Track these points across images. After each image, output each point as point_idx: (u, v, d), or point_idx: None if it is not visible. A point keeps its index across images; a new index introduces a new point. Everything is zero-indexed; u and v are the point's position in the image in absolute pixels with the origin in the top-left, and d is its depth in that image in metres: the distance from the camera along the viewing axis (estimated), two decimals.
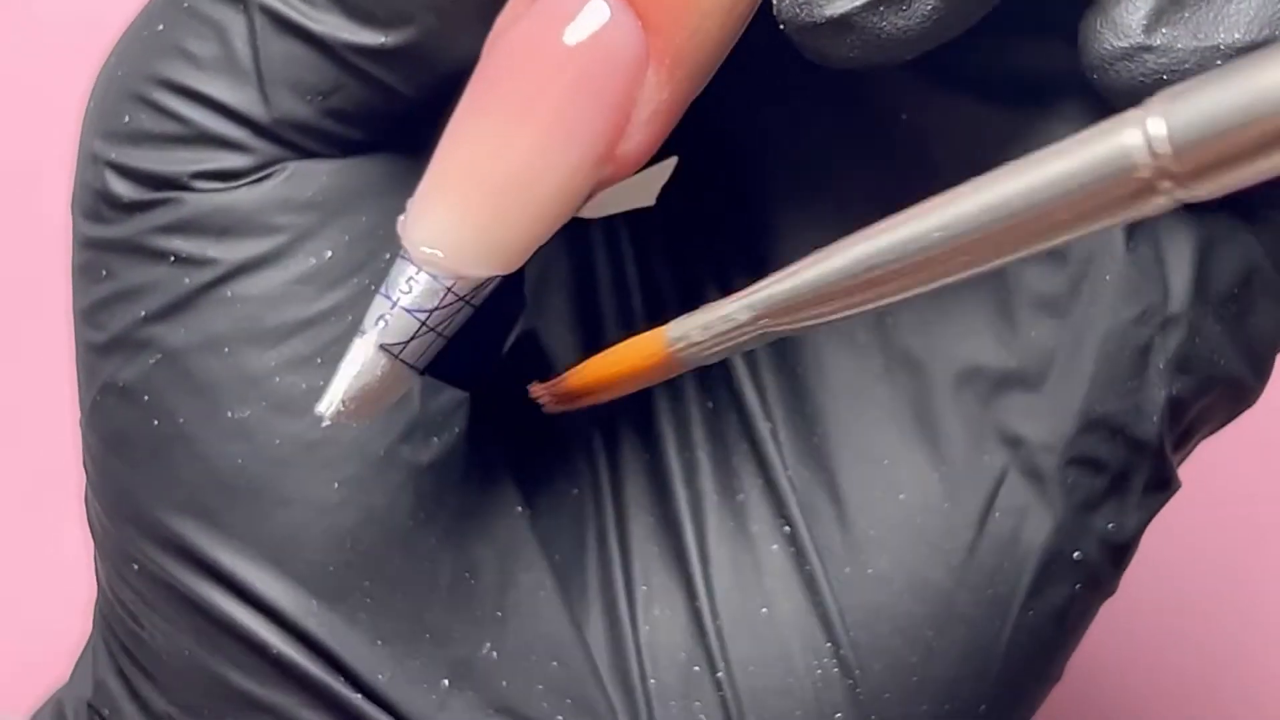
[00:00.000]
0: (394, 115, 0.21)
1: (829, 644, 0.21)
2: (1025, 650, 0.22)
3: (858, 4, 0.17)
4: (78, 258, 0.21)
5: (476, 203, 0.17)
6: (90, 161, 0.20)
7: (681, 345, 0.19)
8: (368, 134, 0.21)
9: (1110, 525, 0.21)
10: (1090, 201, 0.13)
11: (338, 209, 0.20)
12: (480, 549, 0.22)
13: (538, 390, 0.22)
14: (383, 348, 0.18)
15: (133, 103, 0.20)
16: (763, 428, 0.23)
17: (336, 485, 0.20)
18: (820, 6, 0.18)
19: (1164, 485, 0.22)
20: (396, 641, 0.21)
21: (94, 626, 0.25)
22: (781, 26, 0.18)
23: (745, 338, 0.18)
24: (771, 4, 0.18)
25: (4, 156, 0.48)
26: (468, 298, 0.18)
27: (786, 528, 0.22)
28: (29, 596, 0.46)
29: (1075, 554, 0.21)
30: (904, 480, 0.22)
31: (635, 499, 0.24)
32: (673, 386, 0.24)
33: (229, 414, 0.20)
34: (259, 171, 0.20)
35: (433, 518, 0.21)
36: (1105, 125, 0.13)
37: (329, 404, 0.18)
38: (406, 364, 0.18)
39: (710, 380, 0.24)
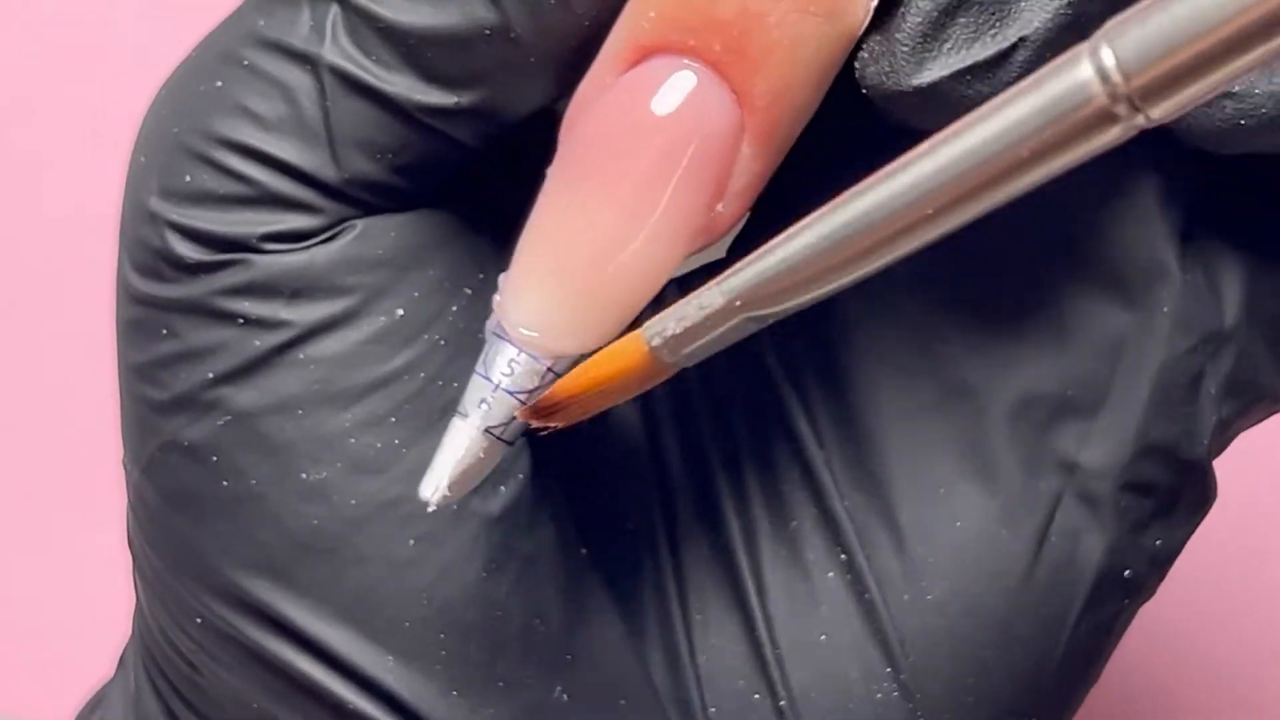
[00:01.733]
0: (458, 167, 0.20)
1: (889, 669, 0.22)
2: (1075, 663, 0.22)
3: (946, 73, 0.17)
4: (129, 312, 0.21)
5: (574, 282, 0.17)
6: (147, 219, 0.20)
7: (659, 341, 0.18)
8: (431, 186, 0.20)
9: (1158, 542, 0.22)
10: (1052, 137, 0.13)
11: (407, 264, 0.20)
12: (548, 594, 0.21)
13: (523, 412, 0.21)
14: (486, 431, 0.18)
15: (193, 162, 0.19)
16: (816, 456, 0.23)
17: (412, 542, 0.20)
18: (908, 75, 0.17)
19: (1207, 499, 0.22)
20: (470, 692, 0.20)
21: (133, 656, 0.25)
22: (864, 91, 0.18)
23: (724, 327, 0.17)
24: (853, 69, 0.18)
25: (3, 156, 0.47)
26: (561, 371, 0.18)
27: (843, 555, 0.22)
28: (26, 598, 0.46)
29: (1126, 572, 0.22)
30: (960, 507, 0.22)
31: (688, 530, 0.24)
32: (722, 418, 0.24)
33: (303, 475, 0.20)
34: (328, 231, 0.20)
35: (502, 567, 0.21)
36: (1057, 62, 0.13)
37: (435, 489, 0.18)
38: (502, 440, 0.18)
39: (761, 409, 0.24)
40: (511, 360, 0.18)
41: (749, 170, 0.18)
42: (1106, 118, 0.13)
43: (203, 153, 0.19)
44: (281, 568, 0.20)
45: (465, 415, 0.18)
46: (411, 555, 0.20)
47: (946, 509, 0.22)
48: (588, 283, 0.17)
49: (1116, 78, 0.13)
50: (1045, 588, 0.21)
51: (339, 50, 0.19)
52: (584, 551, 0.22)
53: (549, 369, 0.18)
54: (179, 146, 0.20)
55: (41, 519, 0.46)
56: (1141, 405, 0.21)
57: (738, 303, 0.17)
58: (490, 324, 0.19)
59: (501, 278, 0.18)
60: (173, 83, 0.21)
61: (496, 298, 0.18)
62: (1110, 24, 0.13)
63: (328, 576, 0.20)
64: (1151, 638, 0.40)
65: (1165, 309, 0.21)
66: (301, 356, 0.20)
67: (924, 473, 0.22)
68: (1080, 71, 0.13)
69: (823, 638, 0.22)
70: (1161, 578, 0.22)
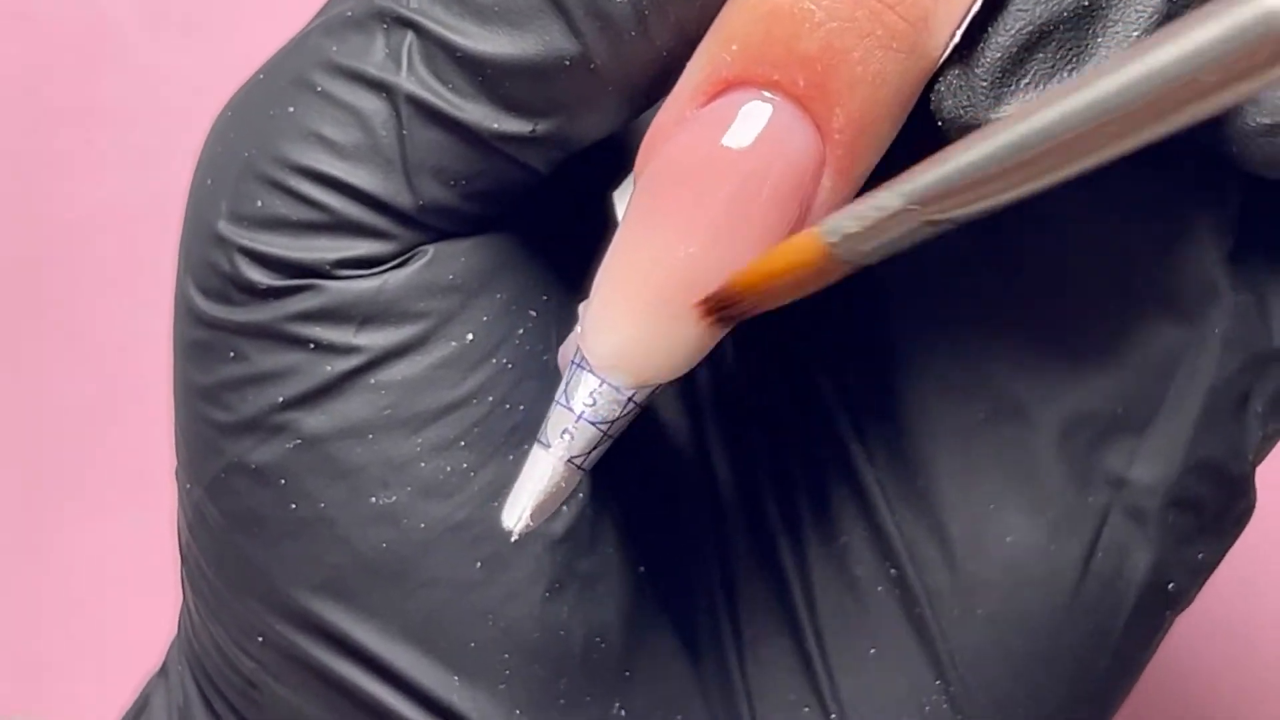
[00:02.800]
0: (524, 190, 0.20)
1: (939, 682, 0.22)
2: (1119, 671, 0.22)
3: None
4: (194, 333, 0.20)
5: (656, 314, 0.17)
6: (215, 242, 0.20)
7: (837, 239, 0.17)
8: (499, 210, 0.20)
9: (1201, 555, 0.22)
10: (1237, 64, 0.13)
11: (476, 289, 0.20)
12: (609, 613, 0.21)
13: (699, 305, 0.19)
14: (569, 461, 0.18)
15: (265, 187, 0.19)
16: (866, 472, 0.23)
17: (479, 565, 0.20)
18: (986, 109, 0.18)
19: (1249, 510, 0.23)
20: (533, 710, 0.20)
21: (179, 664, 0.24)
22: (940, 124, 0.18)
23: (903, 229, 0.17)
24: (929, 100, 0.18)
25: (6, 155, 0.47)
26: (643, 402, 0.18)
27: (893, 570, 0.22)
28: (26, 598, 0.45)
29: (1170, 585, 0.22)
30: (1010, 523, 0.22)
31: (738, 544, 0.24)
32: (772, 433, 0.24)
33: (373, 499, 0.20)
34: (399, 256, 0.19)
35: (565, 587, 0.21)
36: None
37: (518, 519, 0.18)
38: (581, 469, 0.18)
39: (810, 426, 0.24)
40: (594, 391, 0.18)
41: (829, 201, 0.18)
42: None
43: (275, 178, 0.19)
44: (349, 590, 0.20)
45: (547, 445, 0.18)
46: (478, 577, 0.20)
47: (996, 524, 0.22)
48: (669, 314, 0.17)
49: None
50: (1092, 602, 0.22)
51: (416, 79, 0.19)
52: (643, 570, 0.22)
53: (630, 399, 0.18)
54: (249, 171, 0.19)
55: (41, 519, 0.46)
56: (1191, 423, 0.21)
57: (914, 205, 0.16)
58: (568, 352, 0.19)
59: (581, 308, 0.18)
60: (239, 105, 0.20)
61: (577, 329, 0.18)
62: None
63: (396, 599, 0.20)
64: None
65: (1216, 329, 0.21)
66: (372, 381, 0.19)
67: (974, 488, 0.22)
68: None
69: (872, 651, 0.22)
70: (1200, 587, 0.23)
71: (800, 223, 0.17)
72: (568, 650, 0.21)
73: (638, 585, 0.22)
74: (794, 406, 0.24)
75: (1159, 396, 0.21)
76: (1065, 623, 0.22)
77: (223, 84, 0.45)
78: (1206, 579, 0.23)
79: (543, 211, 0.21)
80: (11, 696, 0.45)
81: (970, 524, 0.22)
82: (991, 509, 0.22)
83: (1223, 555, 0.23)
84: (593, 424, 0.18)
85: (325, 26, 0.19)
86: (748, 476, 0.24)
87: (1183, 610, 0.23)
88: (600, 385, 0.18)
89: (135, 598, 0.45)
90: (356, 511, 0.20)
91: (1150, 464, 0.21)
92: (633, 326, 0.17)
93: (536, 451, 0.18)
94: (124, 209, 0.47)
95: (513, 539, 0.18)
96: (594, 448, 0.18)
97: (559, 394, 0.18)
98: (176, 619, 0.35)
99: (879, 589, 0.23)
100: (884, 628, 0.22)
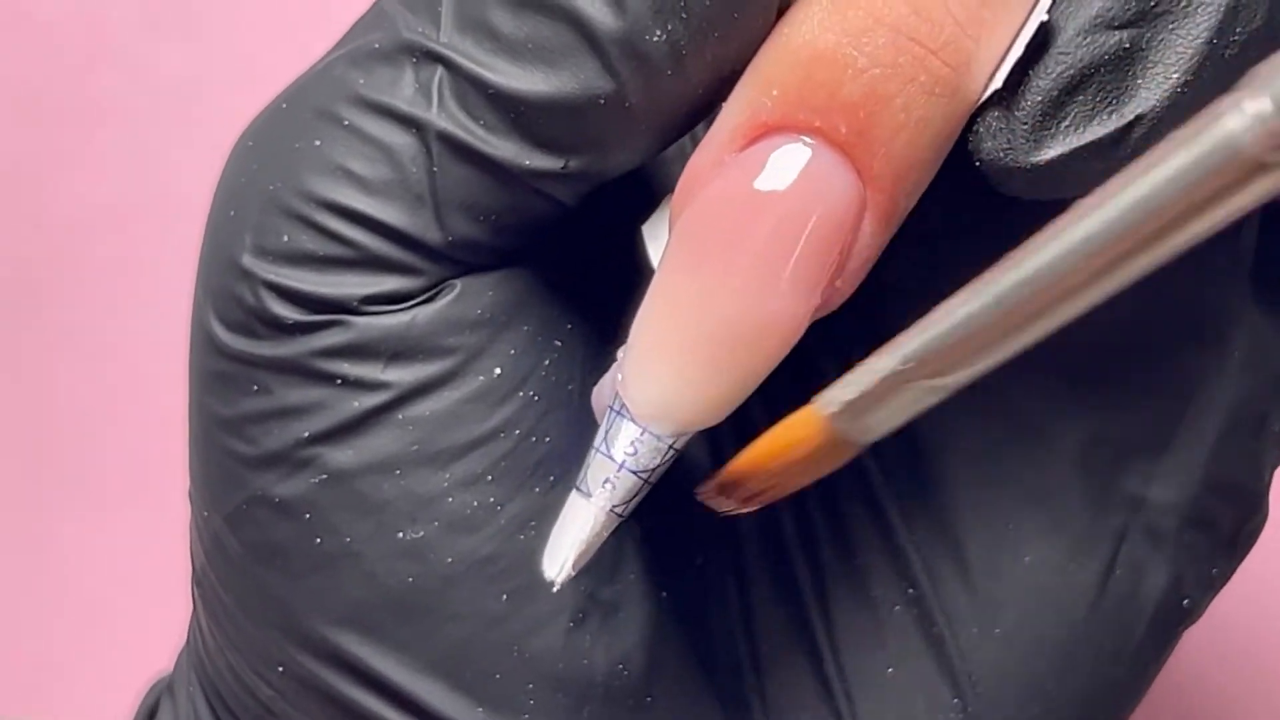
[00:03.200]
0: (551, 224, 0.20)
1: (956, 700, 0.22)
2: (1133, 684, 0.23)
3: (1064, 151, 0.17)
4: (215, 364, 0.20)
5: (696, 361, 0.17)
6: (239, 276, 0.19)
7: (836, 408, 0.17)
8: (525, 242, 0.20)
9: (1215, 571, 0.22)
10: (1208, 190, 0.13)
11: (504, 323, 0.20)
12: (631, 639, 0.21)
13: (706, 493, 0.20)
14: (611, 510, 0.18)
15: (291, 222, 0.19)
16: (883, 492, 0.23)
17: (504, 597, 0.20)
18: (1026, 153, 0.17)
19: (1263, 524, 0.23)
20: None
21: (188, 685, 0.24)
22: (977, 164, 0.18)
23: (904, 396, 0.17)
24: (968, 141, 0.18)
25: (6, 155, 0.46)
26: (681, 448, 0.18)
27: (910, 590, 0.22)
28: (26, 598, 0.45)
29: (1185, 601, 0.22)
30: (1028, 543, 0.22)
31: (755, 565, 0.24)
32: None
33: (400, 534, 0.19)
34: (427, 292, 0.19)
35: (589, 615, 0.21)
36: (1202, 118, 0.13)
37: (560, 569, 0.18)
38: (621, 516, 0.18)
39: None
40: (635, 440, 0.17)
41: (869, 246, 0.17)
42: (1260, 169, 0.13)
43: (301, 213, 0.19)
44: (374, 623, 0.20)
45: (588, 494, 0.18)
46: (504, 610, 0.20)
47: (1014, 544, 0.22)
48: (710, 360, 0.17)
49: (1272, 125, 0.13)
50: (1109, 620, 0.22)
51: (448, 115, 0.18)
52: (664, 596, 0.22)
53: (670, 446, 0.18)
54: (274, 205, 0.19)
55: (40, 519, 0.45)
56: (1209, 445, 0.21)
57: (910, 365, 0.16)
58: (603, 395, 0.19)
59: (620, 353, 0.18)
60: (261, 135, 0.20)
61: (613, 373, 0.17)
62: (1254, 75, 0.13)
63: (422, 632, 0.20)
64: None
65: (1236, 353, 0.21)
66: (400, 417, 0.19)
67: (992, 508, 0.22)
68: (1230, 122, 0.13)
69: (890, 670, 0.22)
70: (1210, 601, 0.23)
71: (839, 268, 0.17)
72: (591, 679, 0.21)
73: (659, 610, 0.22)
74: None
75: (1177, 417, 0.21)
76: (1082, 642, 0.22)
77: (223, 84, 0.45)
78: (1217, 593, 0.23)
79: (564, 240, 0.21)
80: (11, 697, 0.45)
81: (988, 543, 0.22)
82: (1009, 528, 0.22)
83: (1235, 569, 0.23)
84: (634, 473, 0.18)
85: (350, 58, 0.19)
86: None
87: (1194, 623, 0.23)
88: (641, 434, 0.17)
89: (134, 598, 0.44)
90: (383, 546, 0.20)
91: (1168, 484, 0.21)
92: (674, 375, 0.17)
93: (576, 500, 0.18)
94: (124, 209, 0.46)
95: (554, 589, 0.18)
96: (634, 496, 0.18)
97: (598, 441, 0.18)
98: (175, 620, 0.35)
99: (896, 609, 0.23)
100: (902, 647, 0.22)
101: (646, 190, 0.22)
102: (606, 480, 0.18)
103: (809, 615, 0.23)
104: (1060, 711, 0.22)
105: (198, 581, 0.23)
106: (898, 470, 0.23)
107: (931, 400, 0.16)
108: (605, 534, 0.19)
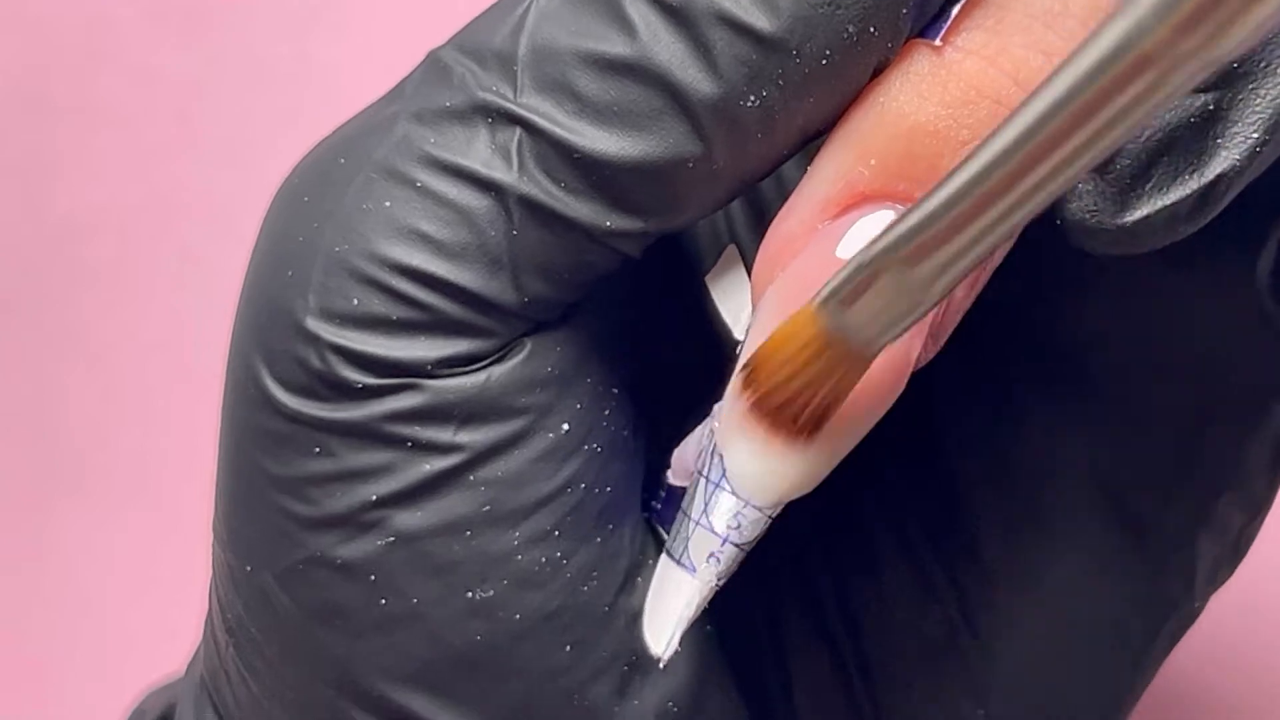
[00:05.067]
0: (615, 274, 0.20)
1: (980, 711, 0.22)
2: (1140, 687, 0.23)
3: (1150, 212, 0.17)
4: (271, 424, 0.19)
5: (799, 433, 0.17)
6: (302, 338, 0.18)
7: (821, 298, 0.16)
8: (588, 294, 0.20)
9: (1222, 571, 0.23)
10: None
11: (570, 378, 0.19)
12: (680, 678, 0.21)
13: (735, 387, 0.18)
14: (716, 584, 0.17)
15: (360, 285, 0.18)
16: (907, 512, 0.23)
17: (569, 649, 0.19)
18: (1113, 215, 0.17)
19: (1262, 523, 0.23)
20: None
21: (199, 705, 0.24)
22: (1058, 222, 0.18)
23: (892, 293, 0.15)
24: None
25: (6, 155, 0.45)
26: (776, 515, 0.18)
27: (938, 608, 0.23)
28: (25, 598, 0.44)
29: (1195, 604, 0.23)
30: (1050, 559, 0.22)
31: (781, 584, 0.24)
32: None
33: (469, 595, 0.19)
34: (499, 352, 0.19)
35: (642, 658, 0.20)
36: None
37: (668, 648, 0.18)
38: (719, 586, 0.18)
39: (849, 466, 0.24)
40: (738, 514, 0.17)
41: (960, 308, 0.17)
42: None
43: (373, 277, 0.18)
44: (439, 682, 0.19)
45: (692, 570, 0.18)
46: (568, 661, 0.19)
47: (1036, 561, 0.22)
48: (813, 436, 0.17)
49: None
50: (1127, 631, 0.22)
51: (529, 179, 0.17)
52: (710, 630, 0.22)
53: (770, 516, 0.17)
54: (341, 266, 0.18)
55: (40, 519, 0.45)
56: (1228, 468, 0.22)
57: (883, 250, 0.15)
58: (688, 459, 0.18)
59: (716, 427, 0.18)
60: (315, 190, 0.19)
61: (702, 440, 0.17)
62: None
63: (487, 688, 0.19)
64: None
65: (1251, 366, 0.21)
66: (472, 479, 0.19)
67: (1013, 526, 0.22)
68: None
69: (916, 682, 0.23)
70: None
71: (934, 332, 0.17)
72: (643, 719, 0.20)
73: (706, 645, 0.22)
74: None
75: (1194, 431, 0.22)
76: (1105, 653, 0.22)
77: (223, 84, 0.44)
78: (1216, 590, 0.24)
79: (616, 286, 0.20)
80: (11, 697, 0.44)
81: (1011, 561, 0.22)
82: (1031, 546, 0.22)
83: (1235, 568, 0.23)
84: (737, 546, 0.17)
85: (417, 115, 0.18)
86: (790, 521, 0.24)
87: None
88: (745, 507, 0.17)
89: (134, 598, 0.44)
90: (451, 607, 0.19)
91: (1187, 502, 0.22)
92: (776, 450, 0.17)
93: (678, 575, 0.18)
94: (124, 209, 0.45)
95: (661, 666, 0.18)
96: (735, 566, 0.18)
97: (695, 513, 0.18)
98: (174, 620, 0.35)
99: (923, 627, 0.23)
100: (929, 665, 0.23)
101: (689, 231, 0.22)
102: (711, 555, 0.17)
103: (837, 637, 0.23)
104: (1080, 717, 0.23)
105: (229, 630, 0.22)
106: (921, 490, 0.23)
107: (913, 299, 0.15)
108: (705, 605, 0.18)
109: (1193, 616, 0.23)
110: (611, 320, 0.20)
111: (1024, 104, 0.14)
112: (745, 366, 0.17)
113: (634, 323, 0.21)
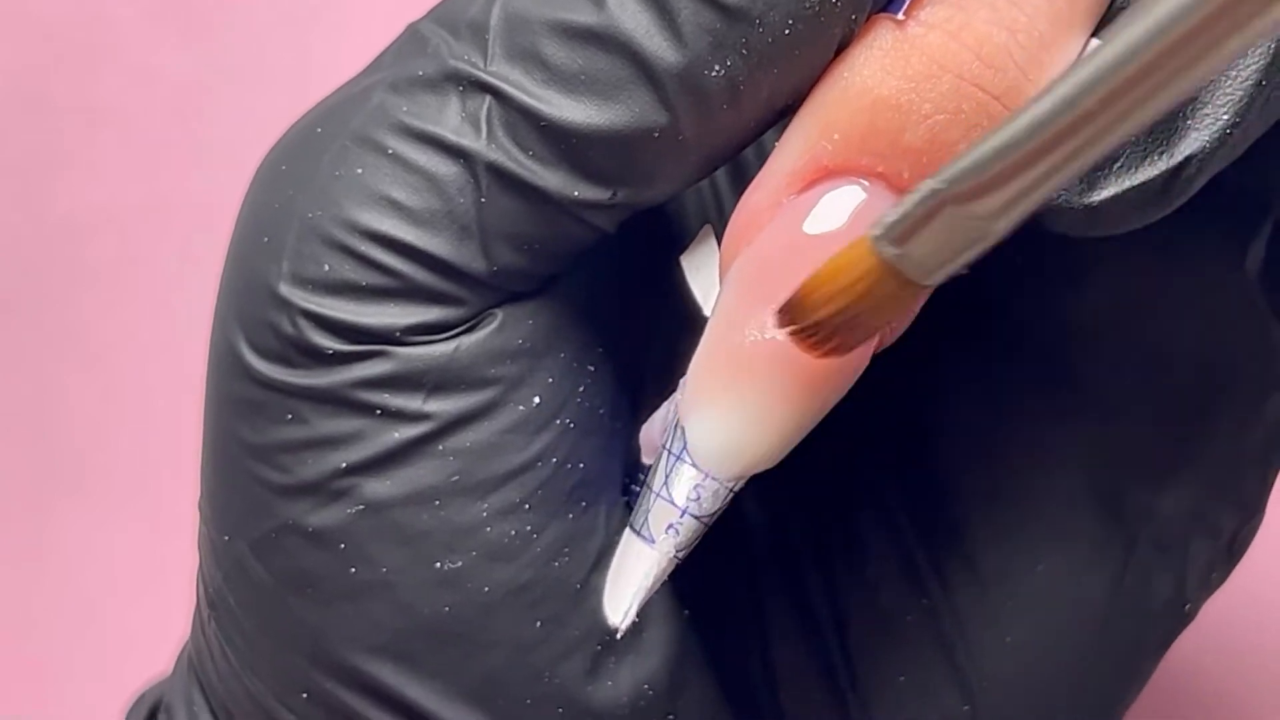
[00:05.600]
0: (588, 248, 0.20)
1: (966, 707, 0.22)
2: (1133, 686, 0.23)
3: (1117, 191, 0.17)
4: (246, 391, 0.19)
5: (759, 405, 0.17)
6: (275, 304, 0.19)
7: (879, 230, 0.16)
8: (562, 267, 0.20)
9: (1215, 574, 0.23)
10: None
11: (543, 351, 0.19)
12: (656, 660, 0.21)
13: (781, 319, 0.17)
14: (675, 555, 0.17)
15: (331, 251, 0.18)
16: (895, 504, 0.23)
17: (539, 624, 0.19)
18: (1080, 195, 0.17)
19: (1258, 527, 0.23)
20: None
21: (189, 703, 0.24)
22: None
23: (949, 227, 0.15)
24: None
25: (6, 155, 0.45)
26: (739, 489, 0.17)
27: (923, 600, 0.22)
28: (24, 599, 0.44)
29: (1187, 605, 0.22)
30: (1040, 553, 0.22)
31: (768, 577, 0.23)
32: (798, 467, 0.23)
33: (437, 565, 0.19)
34: (469, 321, 0.19)
35: (613, 639, 0.20)
36: None
37: (625, 617, 0.18)
38: (678, 559, 0.18)
39: (838, 458, 0.23)
40: (697, 485, 0.17)
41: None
42: None
43: (344, 243, 0.18)
44: (409, 652, 0.19)
45: (650, 540, 0.17)
46: (538, 637, 0.19)
47: (1026, 554, 0.22)
48: (773, 403, 0.17)
49: None
50: (1119, 629, 0.22)
51: (497, 146, 0.18)
52: (687, 614, 0.22)
53: (730, 489, 0.17)
54: (313, 233, 0.18)
55: (39, 519, 0.45)
56: (1220, 455, 0.22)
57: (946, 185, 0.15)
58: (653, 434, 0.18)
59: (679, 400, 0.18)
60: (293, 158, 0.19)
61: (668, 414, 0.17)
62: None
63: (456, 660, 0.19)
64: None
65: (1248, 363, 0.21)
66: (441, 448, 0.19)
67: (1004, 519, 0.22)
68: None
69: (902, 679, 0.22)
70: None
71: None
72: (617, 701, 0.20)
73: (681, 629, 0.22)
74: (823, 440, 0.23)
75: (1189, 428, 0.22)
76: (1092, 649, 0.22)
77: (224, 84, 0.44)
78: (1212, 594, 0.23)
79: (591, 262, 0.20)
80: (11, 697, 0.44)
81: (1000, 553, 0.22)
82: (1022, 539, 0.22)
83: (1231, 571, 0.23)
84: (696, 518, 0.17)
85: (392, 84, 0.18)
86: (777, 510, 0.24)
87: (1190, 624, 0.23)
88: (704, 479, 0.17)
89: (134, 598, 0.44)
90: (420, 576, 0.19)
91: (1178, 497, 0.22)
92: (737, 421, 0.17)
93: (638, 546, 0.18)
94: (124, 209, 0.45)
95: (619, 636, 0.18)
96: (695, 539, 0.17)
97: (656, 486, 0.18)
98: (174, 621, 0.35)
99: (909, 618, 0.23)
100: (914, 656, 0.22)
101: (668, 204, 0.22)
102: (670, 526, 0.17)
103: (822, 626, 0.23)
104: (1067, 716, 0.22)
105: (211, 603, 0.22)
106: (910, 482, 0.23)
107: (973, 235, 0.15)
108: (665, 577, 0.18)
109: (1185, 620, 0.23)
110: (589, 297, 0.20)
111: (1096, 50, 0.13)
112: (787, 304, 0.17)
113: (614, 301, 0.21)
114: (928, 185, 0.15)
